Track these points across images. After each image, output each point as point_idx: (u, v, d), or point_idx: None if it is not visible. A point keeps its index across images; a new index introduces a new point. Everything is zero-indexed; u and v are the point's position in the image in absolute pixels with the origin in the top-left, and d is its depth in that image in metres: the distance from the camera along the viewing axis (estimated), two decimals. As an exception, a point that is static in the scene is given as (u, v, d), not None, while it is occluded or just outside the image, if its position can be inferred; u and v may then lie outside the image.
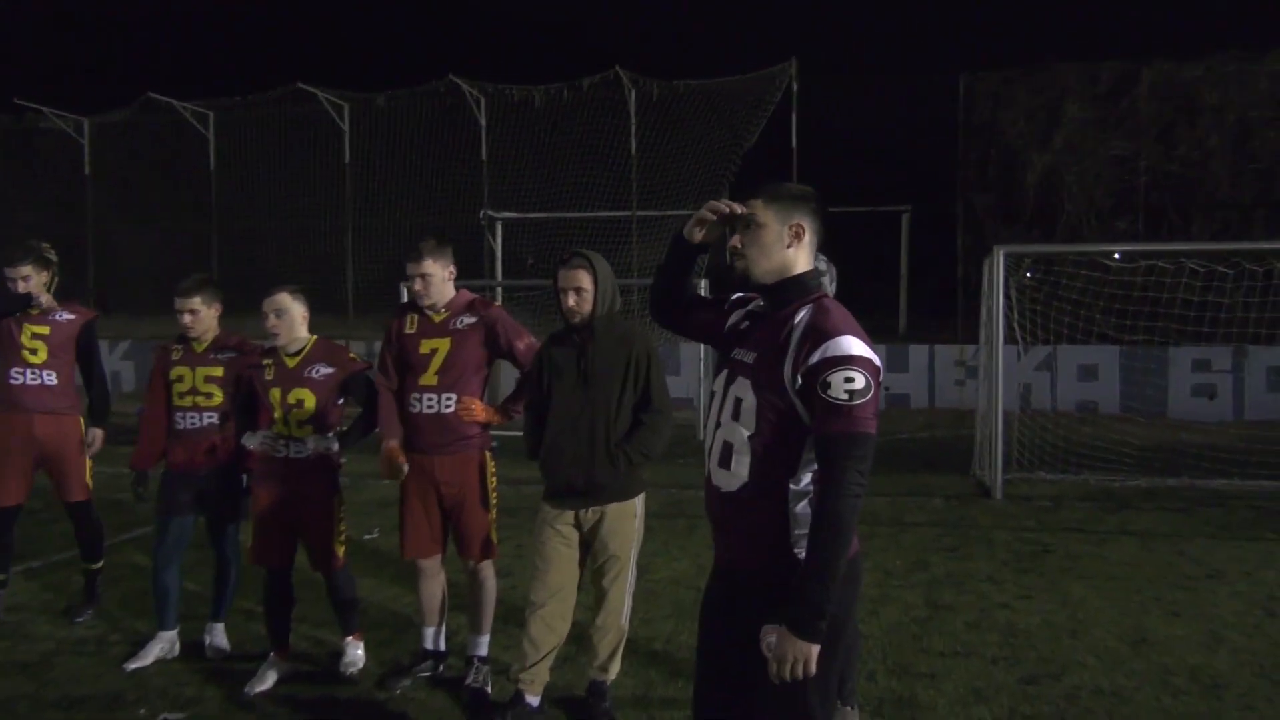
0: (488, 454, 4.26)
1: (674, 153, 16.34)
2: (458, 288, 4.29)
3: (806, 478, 2.33)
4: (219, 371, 4.61)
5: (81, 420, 5.20)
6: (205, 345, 4.64)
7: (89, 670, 4.49)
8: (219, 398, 4.61)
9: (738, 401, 2.40)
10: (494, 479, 4.28)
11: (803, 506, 2.32)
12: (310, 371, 4.27)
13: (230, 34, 36.26)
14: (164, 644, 4.60)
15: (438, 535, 4.25)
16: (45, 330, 5.05)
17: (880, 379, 2.30)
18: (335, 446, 4.26)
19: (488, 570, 4.27)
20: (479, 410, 4.16)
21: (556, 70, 16.62)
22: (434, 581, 4.32)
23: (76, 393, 5.22)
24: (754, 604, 2.35)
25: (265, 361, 4.33)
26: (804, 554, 2.26)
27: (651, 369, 3.78)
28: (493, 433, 4.33)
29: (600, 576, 3.84)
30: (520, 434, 3.97)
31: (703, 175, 16.20)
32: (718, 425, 2.48)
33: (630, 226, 16.76)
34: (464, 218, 17.12)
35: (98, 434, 5.24)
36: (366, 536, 6.86)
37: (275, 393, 4.25)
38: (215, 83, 19.01)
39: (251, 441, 4.29)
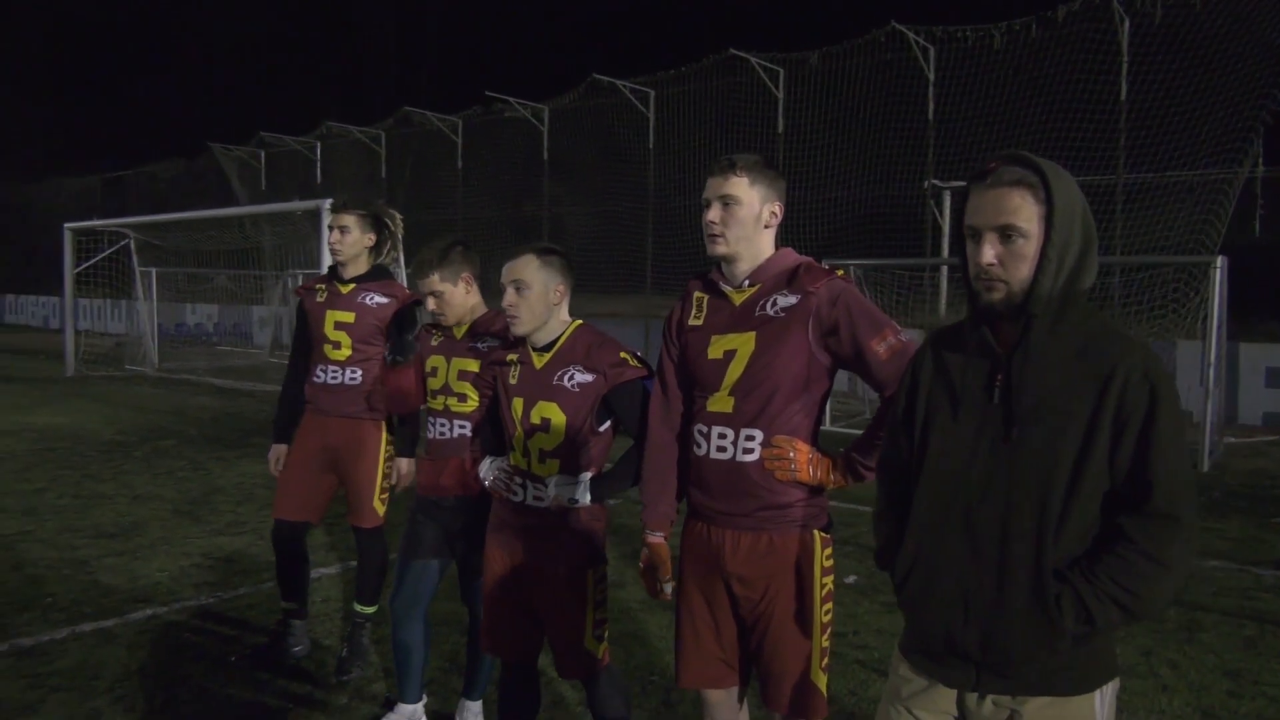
0: (818, 536, 2.47)
1: (1180, 95, 12.63)
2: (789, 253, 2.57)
3: None
4: (475, 366, 3.35)
5: (383, 427, 4.10)
6: (465, 329, 3.41)
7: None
8: (474, 401, 3.35)
9: None
10: (828, 580, 2.47)
11: None
12: (563, 377, 2.80)
13: (666, 5, 37.06)
14: (402, 722, 3.50)
15: (732, 656, 2.56)
16: (350, 318, 4.01)
17: None
18: (585, 498, 2.75)
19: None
20: (803, 461, 2.40)
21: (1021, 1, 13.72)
22: (726, 729, 2.64)
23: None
24: None
25: (510, 357, 2.95)
26: None
27: (1160, 416, 1.72)
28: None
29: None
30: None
31: (1222, 124, 12.29)
32: None
33: (1114, 194, 13.41)
34: (904, 189, 15.08)
35: (403, 466, 4.08)
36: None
37: (517, 404, 2.85)
38: (654, 58, 18.89)
39: (486, 474, 2.96)
